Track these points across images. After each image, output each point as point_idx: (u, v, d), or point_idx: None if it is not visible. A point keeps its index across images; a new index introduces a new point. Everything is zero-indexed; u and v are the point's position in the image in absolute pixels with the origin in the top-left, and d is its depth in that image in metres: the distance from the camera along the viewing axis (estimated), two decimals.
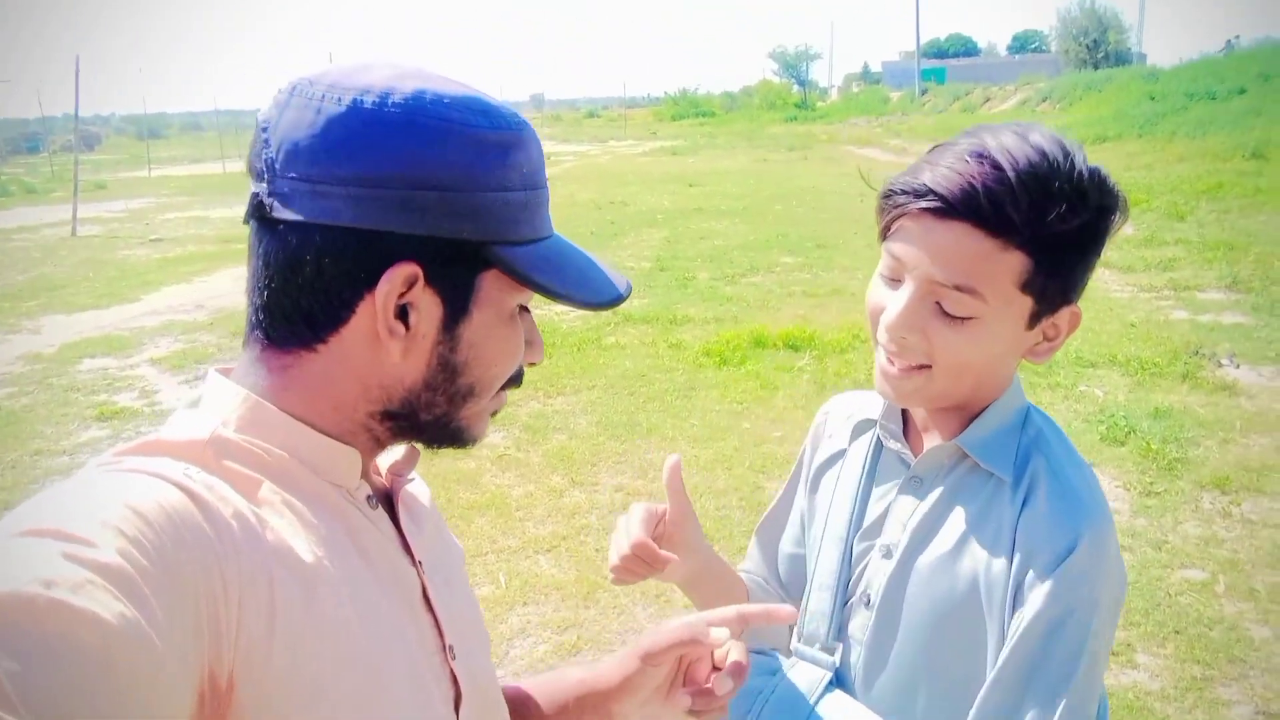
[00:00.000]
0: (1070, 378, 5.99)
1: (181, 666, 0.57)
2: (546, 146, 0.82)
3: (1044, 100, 33.13)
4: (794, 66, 72.57)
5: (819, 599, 1.16)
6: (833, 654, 1.13)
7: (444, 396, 0.79)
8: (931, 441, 1.12)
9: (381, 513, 0.81)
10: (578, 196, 16.39)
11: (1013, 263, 0.95)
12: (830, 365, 6.42)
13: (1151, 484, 4.49)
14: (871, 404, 1.21)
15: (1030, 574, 0.98)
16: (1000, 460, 1.05)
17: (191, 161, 38.09)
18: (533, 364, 0.85)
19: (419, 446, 0.86)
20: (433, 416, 0.79)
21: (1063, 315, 1.02)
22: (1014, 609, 0.99)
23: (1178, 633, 3.31)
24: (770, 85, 64.57)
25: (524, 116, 0.78)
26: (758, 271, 9.86)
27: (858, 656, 1.11)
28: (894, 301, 1.01)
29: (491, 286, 0.76)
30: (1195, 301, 7.69)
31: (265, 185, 0.72)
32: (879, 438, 1.17)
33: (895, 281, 1.02)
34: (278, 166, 0.71)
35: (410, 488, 0.90)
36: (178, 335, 8.18)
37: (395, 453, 0.88)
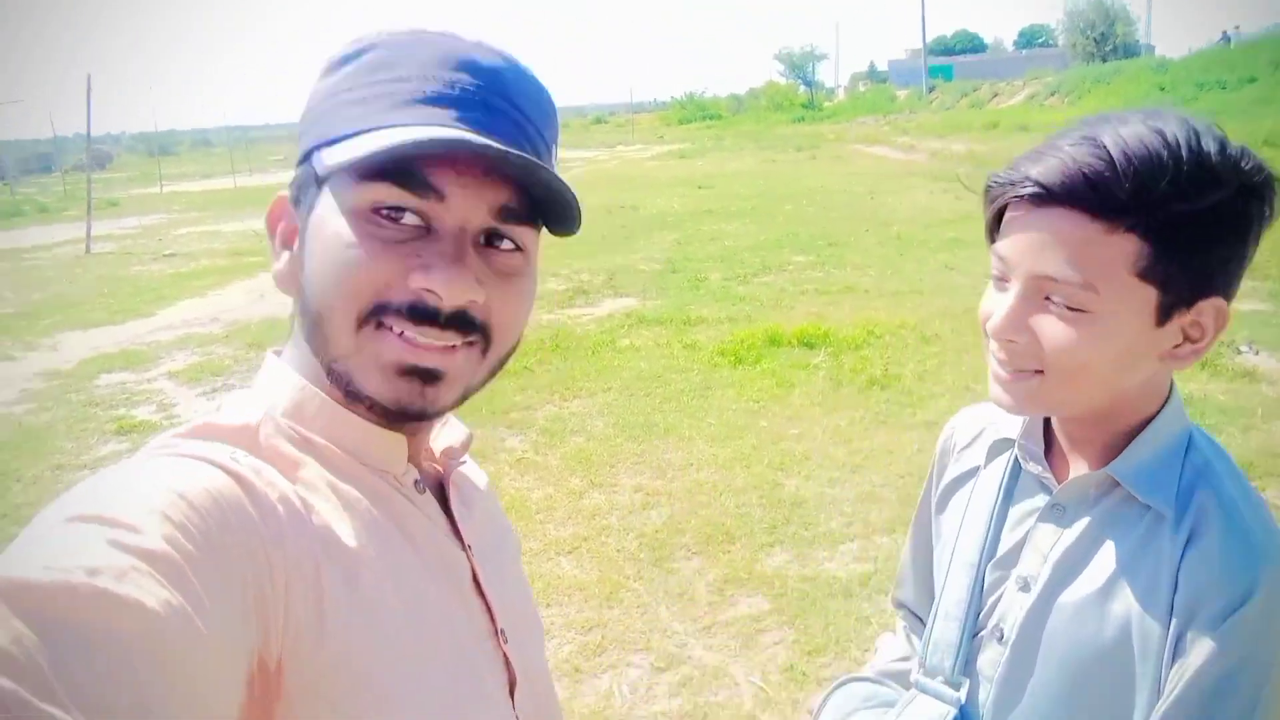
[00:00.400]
0: None
1: (229, 652, 0.56)
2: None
3: (1052, 94, 33.01)
4: (800, 67, 72.46)
5: (945, 629, 1.07)
6: (958, 689, 1.05)
7: (312, 330, 0.72)
8: (1076, 465, 1.01)
9: (429, 498, 0.80)
10: (588, 202, 16.04)
11: (1124, 247, 0.84)
12: (846, 362, 6.40)
13: None
14: (1006, 419, 1.10)
15: (1196, 622, 0.87)
16: (1160, 492, 0.93)
17: (202, 177, 38.30)
18: (429, 291, 0.68)
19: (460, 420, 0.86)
20: (327, 365, 0.72)
21: (1205, 311, 0.89)
22: (1173, 660, 0.88)
23: None
24: (776, 86, 64.44)
25: (413, 30, 0.73)
26: (769, 271, 9.84)
27: (987, 694, 1.02)
28: (1000, 303, 0.93)
29: (330, 191, 0.71)
30: None
31: None
32: (1017, 458, 1.07)
33: (1003, 283, 0.94)
34: None
35: (464, 470, 0.89)
36: (194, 348, 8.21)
37: (452, 433, 0.87)
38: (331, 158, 0.69)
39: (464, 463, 0.88)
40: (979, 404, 1.19)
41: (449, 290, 0.67)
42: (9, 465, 5.49)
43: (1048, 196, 0.87)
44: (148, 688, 0.49)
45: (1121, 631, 0.92)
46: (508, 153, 0.66)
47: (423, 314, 0.68)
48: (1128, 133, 0.85)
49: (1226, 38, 39.61)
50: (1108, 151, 0.84)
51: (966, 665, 1.05)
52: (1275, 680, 0.86)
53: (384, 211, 0.68)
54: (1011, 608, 1.01)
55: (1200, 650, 0.86)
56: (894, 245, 10.74)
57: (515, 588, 0.88)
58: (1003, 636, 1.01)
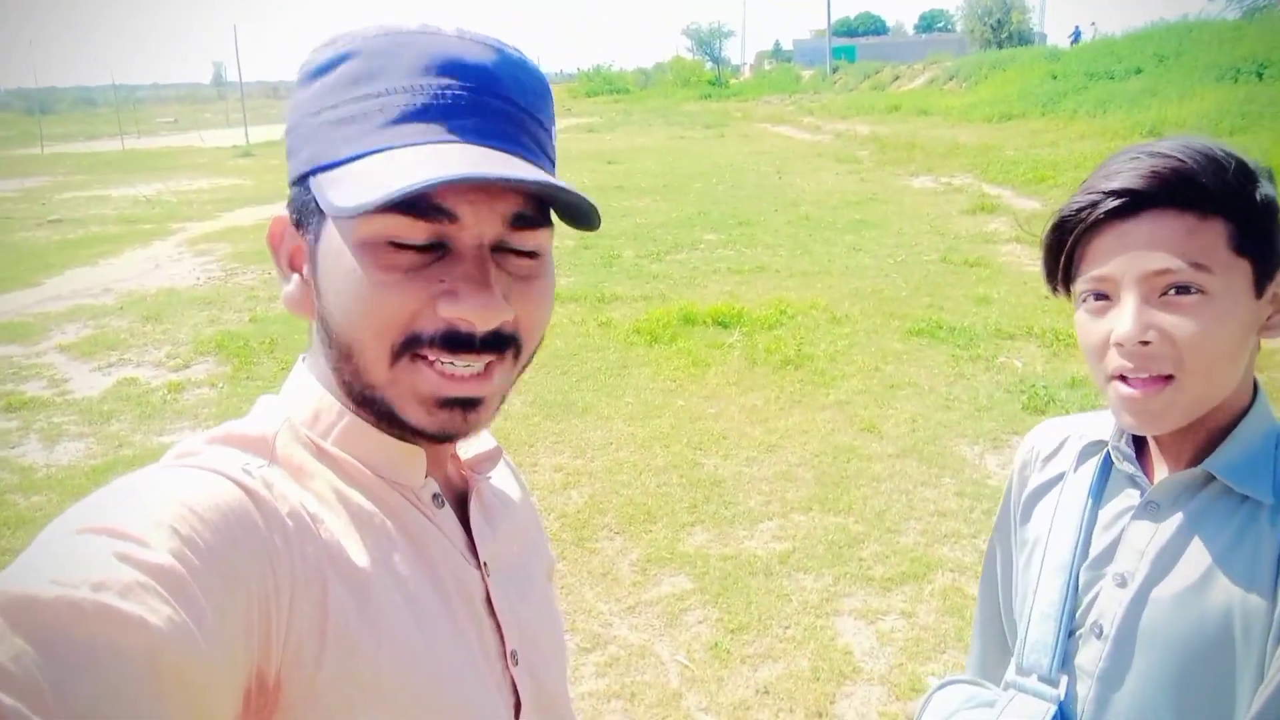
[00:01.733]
0: (991, 349, 6.17)
1: (229, 668, 0.56)
2: None
3: (951, 79, 33.86)
4: (707, 43, 72.71)
5: (1040, 630, 1.08)
6: (1056, 686, 1.06)
7: (340, 360, 0.71)
8: (1163, 467, 1.05)
9: (448, 512, 0.79)
10: None
11: (1218, 229, 0.93)
12: (760, 341, 6.49)
13: None
14: (1094, 426, 1.15)
15: None
16: (1258, 483, 0.98)
17: (87, 138, 36.44)
18: (460, 318, 0.67)
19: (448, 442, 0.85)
20: (352, 391, 0.71)
21: None
22: (1277, 645, 0.92)
23: None
24: (684, 62, 64.49)
25: (424, 26, 0.70)
26: (682, 249, 9.90)
27: (1087, 690, 1.04)
28: (1118, 316, 0.96)
29: (334, 221, 0.68)
30: None
31: None
32: (1108, 460, 1.10)
33: (1104, 303, 0.98)
34: None
35: (497, 484, 0.88)
36: (86, 320, 7.85)
37: (481, 443, 0.85)
38: (335, 190, 0.65)
39: (489, 477, 0.85)
40: (1057, 418, 1.25)
41: (482, 316, 0.66)
42: None
43: (1138, 203, 0.94)
44: (145, 706, 0.49)
45: (1223, 619, 0.96)
46: (522, 180, 0.64)
47: (457, 342, 0.67)
48: (1182, 144, 0.95)
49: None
50: (1179, 156, 0.93)
51: (1064, 663, 1.07)
52: None
53: (397, 240, 0.66)
54: (1110, 604, 1.03)
55: None
56: (803, 225, 10.91)
57: (538, 610, 0.85)
58: (1102, 633, 1.03)
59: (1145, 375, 0.95)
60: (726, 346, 6.47)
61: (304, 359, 0.78)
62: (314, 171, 0.69)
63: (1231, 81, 18.06)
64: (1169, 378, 0.95)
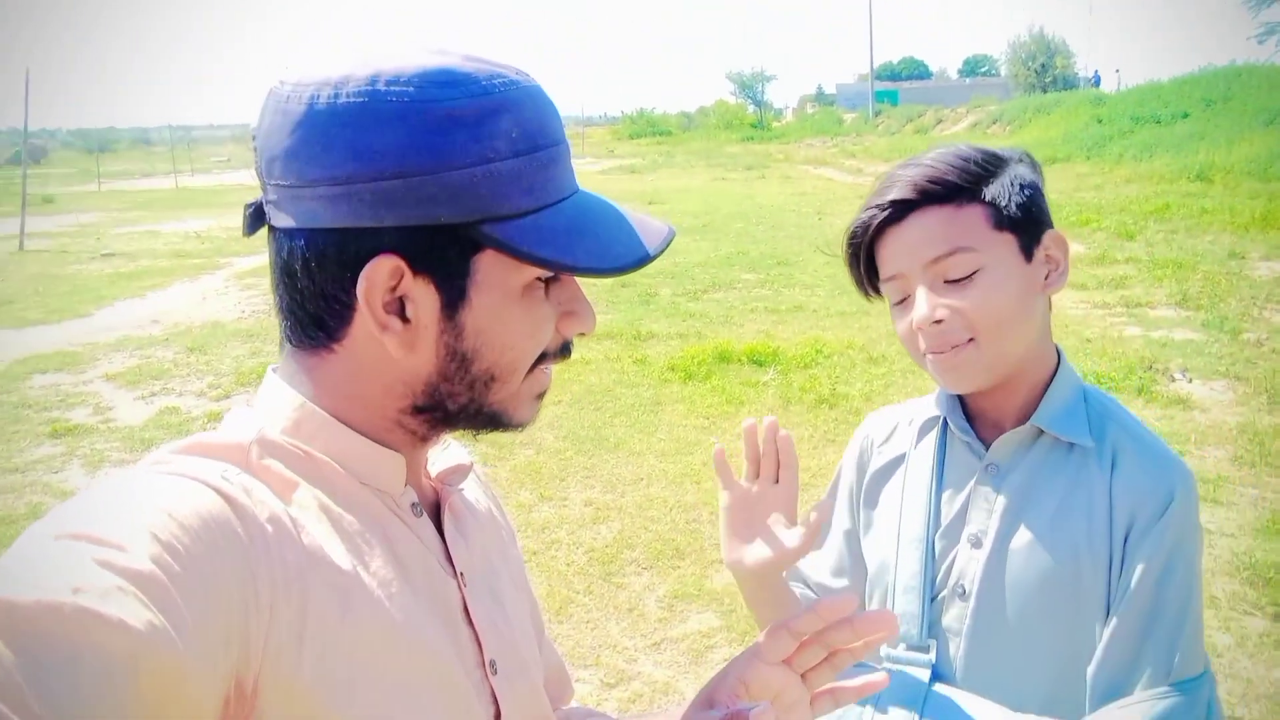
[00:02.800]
0: None
1: (209, 673, 0.56)
2: None
3: (995, 122, 33.77)
4: (750, 87, 73.28)
5: (905, 601, 1.17)
6: (928, 651, 1.14)
7: (463, 385, 0.75)
8: (994, 433, 1.16)
9: (425, 521, 0.80)
10: None
11: (976, 212, 1.09)
12: (795, 380, 6.46)
13: None
14: (922, 408, 1.26)
15: (1133, 531, 1.06)
16: (1079, 431, 1.11)
17: (142, 176, 37.51)
18: (582, 334, 0.80)
19: (463, 445, 0.88)
20: (459, 406, 0.76)
21: (1049, 242, 1.13)
22: (1121, 567, 1.06)
23: None
24: (726, 105, 65.07)
25: (519, 72, 0.73)
26: (719, 288, 9.91)
27: (957, 648, 1.13)
28: (916, 305, 1.11)
29: (491, 267, 0.71)
30: (1147, 318, 7.86)
31: (263, 194, 0.73)
32: (944, 435, 1.21)
33: (903, 301, 1.14)
34: (265, 175, 0.72)
35: (468, 495, 0.89)
36: (132, 350, 8.03)
37: (451, 456, 0.86)
38: (526, 242, 0.70)
39: (461, 489, 0.86)
40: (885, 408, 1.36)
41: (594, 325, 0.80)
42: None
43: (906, 209, 1.10)
44: (127, 709, 0.49)
45: (1072, 558, 1.08)
46: (655, 257, 0.75)
47: (568, 350, 0.80)
48: (939, 151, 1.13)
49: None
50: (930, 163, 1.11)
51: (930, 628, 1.15)
52: (1198, 567, 1.06)
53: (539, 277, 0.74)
54: (969, 565, 1.14)
55: (1142, 553, 1.05)
56: (842, 266, 10.81)
57: (514, 619, 0.86)
58: (965, 593, 1.13)
59: (946, 349, 1.09)
60: (761, 385, 6.45)
61: (274, 370, 0.78)
62: (484, 221, 0.69)
63: None
64: (969, 341, 1.09)
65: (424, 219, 0.68)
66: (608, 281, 10.20)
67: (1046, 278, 1.12)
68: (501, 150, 0.69)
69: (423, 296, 0.71)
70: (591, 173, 30.64)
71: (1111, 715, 1.01)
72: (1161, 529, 1.04)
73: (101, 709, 0.48)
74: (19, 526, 4.52)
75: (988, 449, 1.16)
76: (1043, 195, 1.14)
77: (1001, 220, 1.09)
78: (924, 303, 1.09)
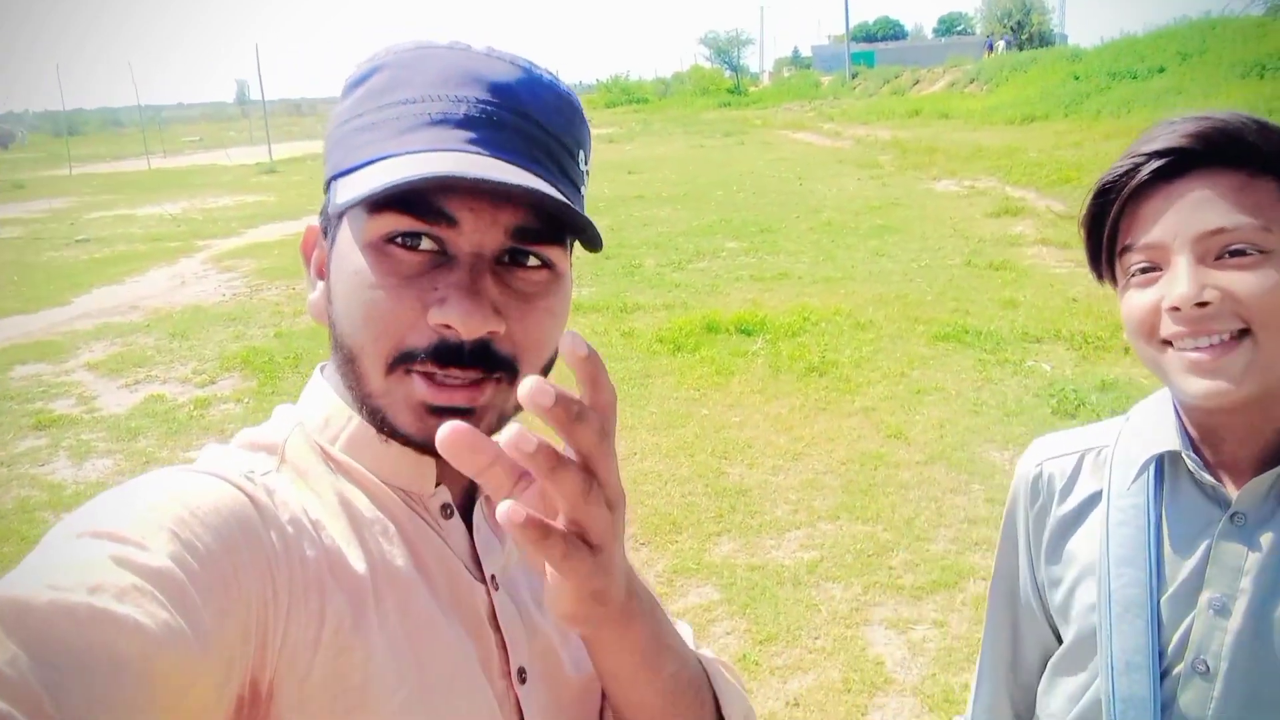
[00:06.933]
0: (1018, 353, 6.10)
1: (224, 673, 0.56)
2: None
3: (972, 81, 33.68)
4: (726, 52, 72.79)
5: (1130, 682, 0.97)
6: None
7: (344, 365, 0.70)
8: (1229, 476, 0.97)
9: (456, 523, 0.77)
10: None
11: (1268, 187, 0.88)
12: (784, 348, 6.46)
13: None
14: (1106, 436, 1.08)
15: None
16: None
17: (113, 159, 36.91)
18: (447, 327, 0.65)
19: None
20: (360, 399, 0.71)
21: None
22: None
23: None
24: (702, 71, 64.54)
25: (419, 44, 0.71)
26: (703, 257, 9.88)
27: None
28: (1169, 283, 0.89)
29: (346, 225, 0.70)
30: None
31: None
32: (1158, 474, 1.00)
33: (1154, 272, 0.92)
34: None
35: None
36: (113, 338, 7.93)
37: None
38: (344, 190, 0.68)
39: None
40: (1050, 434, 1.15)
41: (466, 324, 0.65)
42: None
43: (1185, 163, 0.89)
44: (139, 710, 0.49)
45: None
46: (503, 183, 0.63)
47: (446, 355, 0.66)
48: (1223, 111, 0.90)
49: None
50: (1223, 118, 0.89)
51: (1164, 712, 0.96)
52: None
53: (399, 239, 0.66)
54: (1211, 636, 0.94)
55: None
56: (825, 232, 10.86)
57: (556, 626, 0.82)
58: (1208, 670, 0.94)
59: (1206, 342, 0.87)
60: (750, 354, 6.44)
61: (322, 368, 0.79)
62: (335, 177, 0.71)
63: (1257, 78, 17.89)
64: (1242, 333, 0.87)
65: (324, 182, 0.74)
66: (591, 255, 10.14)
67: None
68: (364, 109, 0.70)
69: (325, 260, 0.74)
70: None
71: None
72: None
73: (114, 710, 0.48)
74: (6, 522, 4.47)
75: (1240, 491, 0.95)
76: None
77: None
78: (1188, 278, 0.87)
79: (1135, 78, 22.29)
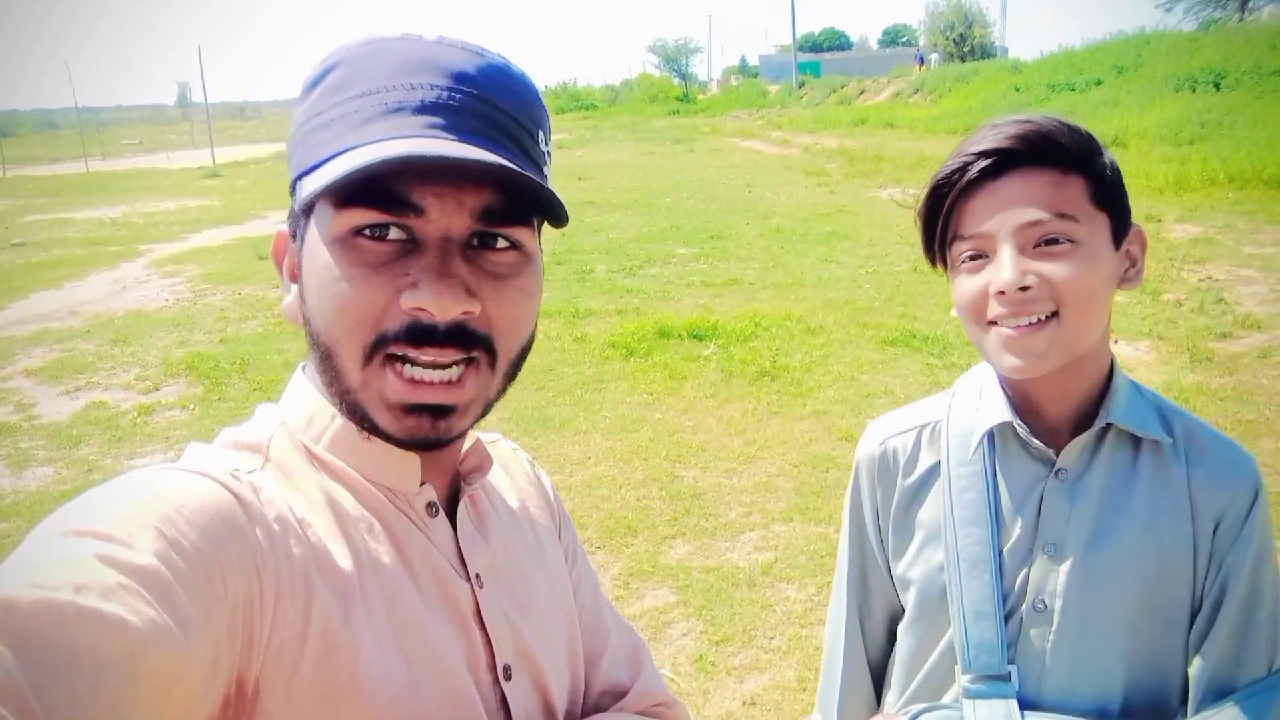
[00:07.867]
0: (964, 357, 6.20)
1: (211, 670, 0.56)
2: None
3: (915, 92, 34.23)
4: (674, 60, 73.05)
5: (979, 629, 1.06)
6: (1009, 679, 1.06)
7: (322, 363, 0.71)
8: (1053, 437, 1.08)
9: (442, 521, 0.78)
10: None
11: (1079, 184, 1.00)
12: (736, 353, 6.50)
13: None
14: (936, 411, 1.17)
15: (1223, 527, 1.03)
16: (1153, 426, 1.05)
17: (50, 161, 35.97)
18: (420, 309, 0.66)
19: (508, 441, 0.92)
20: (339, 396, 0.71)
21: (1133, 236, 1.06)
22: (1211, 565, 1.03)
23: None
24: (651, 79, 64.67)
25: (371, 38, 0.71)
26: (655, 263, 9.91)
27: (1040, 668, 1.05)
28: (995, 269, 1.00)
29: (313, 222, 0.70)
30: None
31: None
32: (990, 441, 1.11)
33: (981, 259, 1.02)
34: None
35: (501, 493, 0.87)
36: (52, 344, 7.73)
37: (480, 452, 0.83)
38: (308, 188, 0.68)
39: (474, 487, 0.82)
40: (884, 415, 1.24)
41: (438, 304, 0.65)
42: None
43: (1006, 162, 1.00)
44: (126, 708, 0.49)
45: (1160, 559, 1.03)
46: (464, 160, 0.64)
47: (420, 335, 0.67)
48: (1040, 115, 1.02)
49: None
50: (1038, 121, 1.00)
51: (1010, 649, 1.06)
52: (1275, 553, 1.04)
53: (366, 232, 0.67)
54: (1047, 577, 1.06)
55: (1238, 546, 1.02)
56: (775, 238, 10.96)
57: (542, 624, 0.83)
58: (1046, 608, 1.05)
59: (1026, 321, 0.99)
60: (702, 359, 6.48)
61: (303, 367, 0.78)
62: (299, 177, 0.71)
63: (1189, 91, 18.41)
64: (1052, 315, 0.99)
65: (290, 185, 0.74)
66: (543, 259, 10.11)
67: (1126, 271, 1.05)
68: (322, 107, 0.70)
69: (296, 262, 0.74)
70: None
71: (1231, 710, 0.99)
72: (1253, 522, 1.02)
73: (100, 708, 0.48)
74: None
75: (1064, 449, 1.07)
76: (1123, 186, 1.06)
77: (1101, 198, 1.01)
78: (1011, 265, 0.98)
79: (1074, 90, 22.86)
